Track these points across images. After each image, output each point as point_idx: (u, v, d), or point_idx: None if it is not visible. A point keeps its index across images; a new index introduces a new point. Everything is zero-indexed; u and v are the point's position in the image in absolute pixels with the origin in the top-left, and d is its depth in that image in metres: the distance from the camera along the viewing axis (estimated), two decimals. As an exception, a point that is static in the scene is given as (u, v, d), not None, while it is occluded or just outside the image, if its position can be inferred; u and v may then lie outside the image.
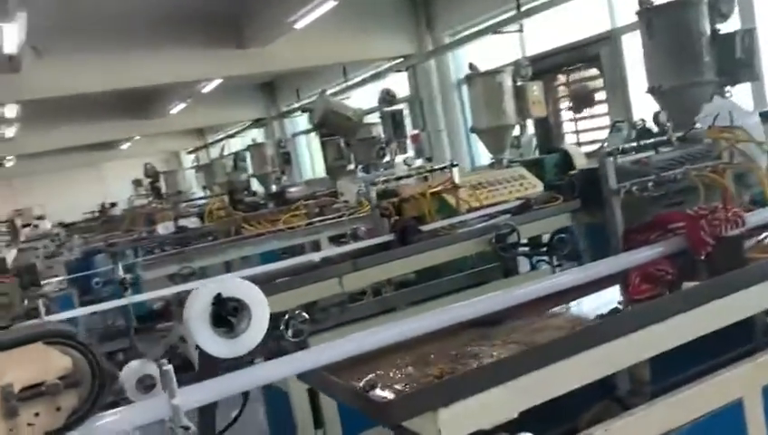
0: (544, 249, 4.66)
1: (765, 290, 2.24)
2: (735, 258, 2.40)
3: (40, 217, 27.73)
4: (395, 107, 8.71)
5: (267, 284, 3.87)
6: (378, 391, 1.85)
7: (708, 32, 5.37)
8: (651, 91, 5.48)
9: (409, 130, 12.82)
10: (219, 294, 1.65)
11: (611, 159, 2.75)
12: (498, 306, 2.31)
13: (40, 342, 1.42)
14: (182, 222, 9.86)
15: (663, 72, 5.43)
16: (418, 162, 11.35)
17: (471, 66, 7.86)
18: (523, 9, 9.76)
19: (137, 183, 18.45)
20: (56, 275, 7.16)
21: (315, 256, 4.44)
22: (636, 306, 2.15)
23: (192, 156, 26.05)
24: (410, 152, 9.72)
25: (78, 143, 19.09)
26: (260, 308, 1.70)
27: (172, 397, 1.52)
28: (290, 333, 3.61)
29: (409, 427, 1.74)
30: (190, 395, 1.67)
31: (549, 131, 10.72)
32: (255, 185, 14.53)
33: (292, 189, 8.77)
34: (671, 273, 2.33)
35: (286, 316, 3.64)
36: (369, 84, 14.06)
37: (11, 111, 12.57)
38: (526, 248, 4.68)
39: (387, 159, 9.95)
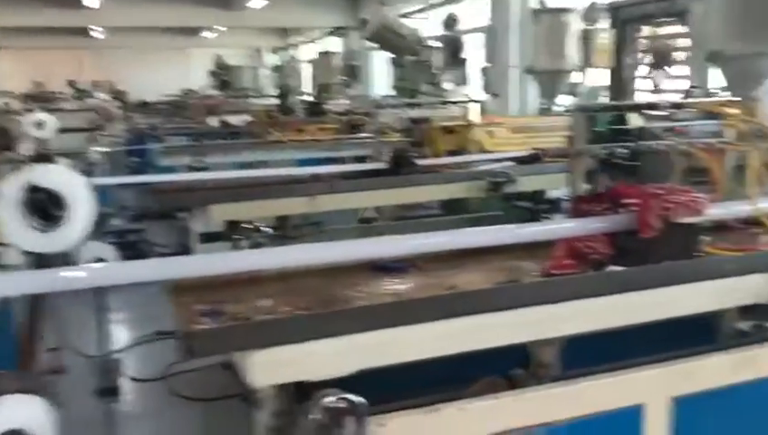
0: (545, 206, 4.34)
1: (693, 292, 1.95)
2: (683, 249, 2.10)
3: (120, 92, 28.70)
4: (455, 33, 8.25)
5: (236, 189, 3.77)
6: (217, 319, 1.71)
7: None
8: (710, 57, 4.94)
9: (482, 62, 12.30)
10: (32, 184, 1.51)
11: (582, 114, 2.42)
12: (405, 251, 2.12)
13: None
14: (236, 119, 9.90)
15: (727, 36, 4.86)
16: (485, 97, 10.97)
17: (542, 1, 7.33)
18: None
19: (212, 74, 18.59)
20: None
21: (305, 171, 4.29)
22: (532, 282, 1.90)
23: (275, 55, 26.16)
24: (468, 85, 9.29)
25: (159, 24, 19.26)
26: (81, 203, 1.56)
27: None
28: (247, 244, 3.51)
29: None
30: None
31: (622, 86, 10.06)
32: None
33: (335, 102, 8.55)
34: (600, 252, 2.06)
35: (247, 226, 3.54)
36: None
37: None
38: (525, 202, 4.38)
39: (448, 86, 9.62)
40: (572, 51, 7.04)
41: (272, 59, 26.26)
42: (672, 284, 1.94)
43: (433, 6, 13.38)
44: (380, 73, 18.50)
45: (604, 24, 7.70)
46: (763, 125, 2.52)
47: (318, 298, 1.85)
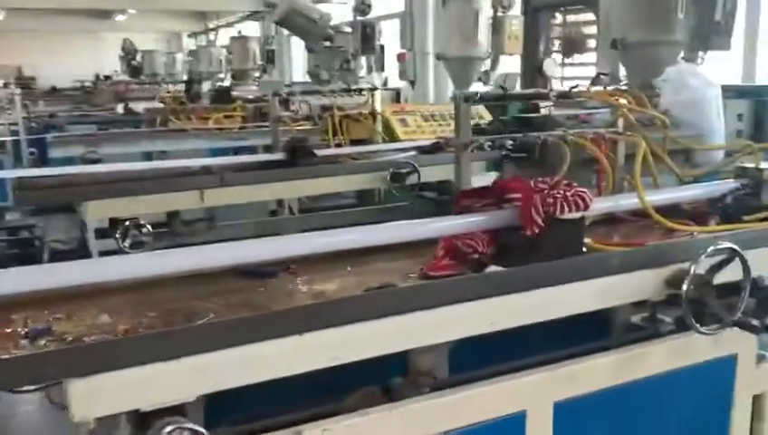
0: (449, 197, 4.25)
1: (576, 291, 1.85)
2: (568, 246, 2.00)
3: (31, 78, 27.29)
4: (367, 18, 8.05)
5: (119, 183, 3.50)
6: (40, 341, 1.49)
7: (688, -13, 4.77)
8: (614, 44, 4.93)
9: (397, 48, 12.17)
10: None
11: (466, 104, 2.30)
12: (272, 255, 1.94)
13: None
14: (142, 106, 9.45)
15: (629, 24, 4.86)
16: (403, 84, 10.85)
17: (451, -14, 7.21)
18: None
19: (121, 59, 17.81)
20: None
21: (197, 162, 4.04)
22: (403, 287, 1.76)
23: (192, 40, 25.33)
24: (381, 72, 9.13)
25: (67, 6, 18.30)
26: None
27: None
28: (127, 242, 3.26)
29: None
30: None
31: (534, 73, 10.13)
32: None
33: (243, 89, 8.26)
34: (479, 251, 1.94)
35: (126, 223, 3.29)
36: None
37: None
38: (431, 193, 4.27)
39: (361, 74, 9.44)
40: (483, 37, 6.96)
41: (190, 44, 25.48)
42: (554, 283, 1.84)
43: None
44: (299, 59, 18.19)
45: (516, 10, 7.68)
46: (653, 114, 2.46)
47: (165, 312, 1.66)
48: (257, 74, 13.59)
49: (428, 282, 1.79)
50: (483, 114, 6.58)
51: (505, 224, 2.02)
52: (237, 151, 5.72)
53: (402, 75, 10.74)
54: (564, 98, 2.57)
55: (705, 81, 4.25)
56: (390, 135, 6.22)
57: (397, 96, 10.41)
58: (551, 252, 1.99)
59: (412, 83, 11.10)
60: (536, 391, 1.83)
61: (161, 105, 8.80)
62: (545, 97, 2.47)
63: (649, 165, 2.47)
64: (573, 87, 2.51)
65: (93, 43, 26.87)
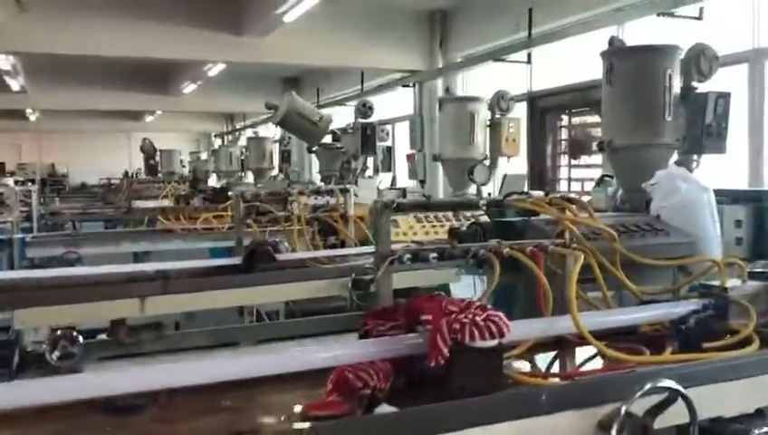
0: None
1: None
2: (481, 380, 1.72)
3: (63, 175, 28.15)
4: (373, 121, 8.09)
5: (58, 289, 3.32)
6: None
7: (678, 88, 4.62)
8: (600, 146, 4.76)
9: (407, 149, 12.23)
10: None
11: (387, 209, 2.08)
12: (138, 386, 1.69)
13: None
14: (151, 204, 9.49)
15: (618, 127, 4.69)
16: (412, 183, 10.80)
17: (447, 90, 7.22)
18: (533, 36, 9.06)
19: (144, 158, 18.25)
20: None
21: (152, 267, 3.86)
22: None
23: (219, 140, 26.04)
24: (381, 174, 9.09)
25: (92, 107, 19.07)
26: None
27: None
28: (56, 354, 3.02)
29: None
30: None
31: (542, 174, 10.00)
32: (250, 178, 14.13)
33: (243, 188, 8.20)
34: (371, 385, 1.66)
35: (57, 333, 3.06)
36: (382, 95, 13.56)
37: (5, 62, 12.39)
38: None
39: (369, 174, 9.40)
40: (479, 139, 6.88)
41: (217, 143, 26.16)
42: (455, 428, 1.55)
43: (364, 95, 13.43)
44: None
45: (515, 112, 7.64)
46: (599, 226, 2.22)
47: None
48: (274, 173, 13.78)
49: (284, 430, 1.51)
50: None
51: (411, 352, 1.75)
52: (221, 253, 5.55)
53: (412, 175, 10.71)
54: (497, 206, 2.35)
55: (698, 185, 4.00)
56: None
57: (403, 195, 10.33)
58: (463, 386, 1.72)
59: (422, 183, 11.04)
60: None
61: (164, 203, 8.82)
62: (475, 206, 2.25)
63: (598, 281, 2.20)
64: (507, 195, 2.28)
65: (125, 142, 27.82)
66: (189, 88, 16.33)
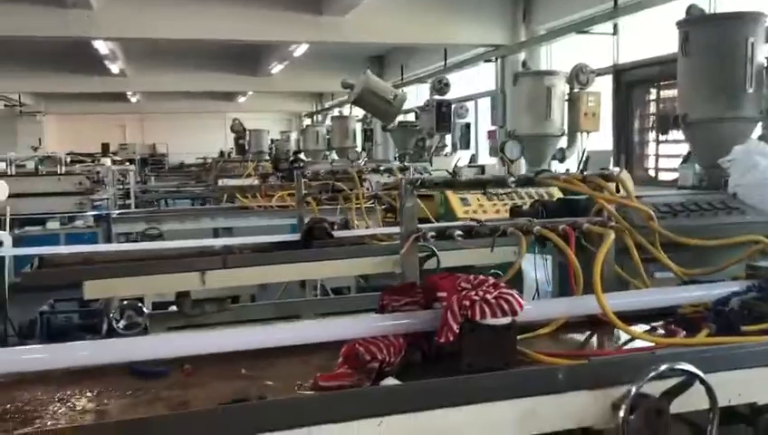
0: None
1: (483, 414, 1.55)
2: (493, 357, 1.71)
3: (163, 155, 29.51)
4: (444, 98, 8.03)
5: (119, 263, 3.51)
6: None
7: (764, 59, 4.33)
8: (675, 121, 4.54)
9: (488, 125, 12.06)
10: None
11: (410, 187, 2.07)
12: (163, 353, 1.79)
13: None
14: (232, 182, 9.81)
15: (694, 100, 4.47)
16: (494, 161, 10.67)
17: (524, 64, 7.06)
18: (619, 6, 8.69)
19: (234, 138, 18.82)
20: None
21: (219, 242, 4.01)
22: (256, 402, 1.53)
23: (308, 119, 26.54)
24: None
25: (187, 89, 19.81)
26: None
27: None
28: (122, 323, 3.23)
29: None
30: None
31: (629, 150, 9.62)
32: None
33: (316, 166, 8.34)
34: (379, 359, 1.69)
35: (124, 303, 3.28)
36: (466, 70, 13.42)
37: (103, 47, 13.05)
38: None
39: (447, 150, 9.35)
40: (557, 115, 6.70)
41: (308, 122, 26.67)
42: (452, 403, 1.55)
43: (446, 71, 13.31)
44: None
45: (599, 87, 7.38)
46: (635, 205, 2.14)
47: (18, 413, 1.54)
48: (359, 151, 13.91)
49: (285, 398, 1.56)
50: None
51: (423, 328, 1.77)
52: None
53: (492, 152, 10.58)
54: (527, 184, 2.30)
55: (774, 161, 3.76)
56: (449, 214, 6.02)
57: (481, 173, 10.24)
58: (473, 363, 1.72)
59: (503, 160, 10.89)
60: None
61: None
62: (503, 183, 2.20)
63: (635, 261, 2.13)
64: (538, 172, 2.23)
65: (221, 122, 28.77)
66: (277, 68, 16.69)
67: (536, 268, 3.71)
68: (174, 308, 3.81)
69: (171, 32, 11.12)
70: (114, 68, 15.74)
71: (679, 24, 4.48)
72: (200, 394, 1.66)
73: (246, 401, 1.50)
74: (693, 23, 4.40)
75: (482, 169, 10.10)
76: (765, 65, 4.36)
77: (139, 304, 3.28)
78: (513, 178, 2.16)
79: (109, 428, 1.39)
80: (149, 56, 15.91)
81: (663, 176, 8.91)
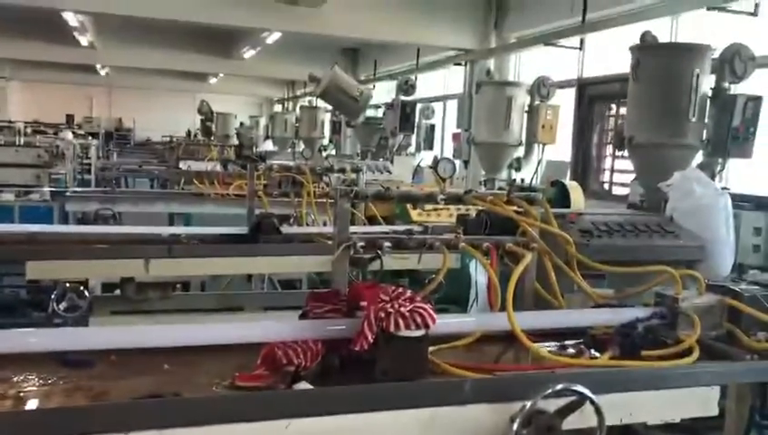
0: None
1: (383, 421, 1.65)
2: (405, 368, 1.81)
3: (128, 130, 29.13)
4: (410, 98, 8.13)
5: (71, 245, 3.54)
6: None
7: (708, 89, 4.51)
8: (621, 143, 4.70)
9: (453, 128, 12.18)
10: None
11: (346, 198, 2.16)
12: (89, 345, 1.85)
13: None
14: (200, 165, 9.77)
15: (640, 124, 4.62)
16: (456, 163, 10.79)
17: (488, 72, 7.19)
18: (586, 23, 8.88)
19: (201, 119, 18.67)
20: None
21: (167, 230, 4.05)
22: (168, 399, 1.61)
23: (279, 106, 26.48)
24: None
25: (157, 66, 19.57)
26: None
27: None
28: (62, 305, 3.27)
29: None
30: None
31: (586, 163, 9.85)
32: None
33: (275, 157, 8.39)
34: (295, 362, 1.78)
35: (66, 286, 3.30)
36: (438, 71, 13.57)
37: (73, 19, 12.86)
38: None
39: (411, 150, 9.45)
40: (516, 125, 6.85)
41: (278, 108, 26.58)
42: (359, 409, 1.65)
43: (416, 71, 13.41)
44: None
45: (562, 100, 7.55)
46: (552, 230, 2.25)
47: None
48: (325, 143, 13.92)
49: (196, 396, 1.64)
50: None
51: (338, 336, 1.86)
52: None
53: (456, 154, 10.71)
54: (457, 202, 2.41)
55: (714, 189, 3.93)
56: (403, 216, 6.14)
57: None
58: (387, 371, 1.82)
59: (465, 163, 11.04)
60: None
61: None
62: (433, 200, 2.31)
63: (551, 282, 2.25)
64: (467, 192, 2.34)
65: (191, 102, 28.43)
66: (249, 53, 16.61)
67: (478, 274, 3.84)
68: (119, 292, 3.85)
69: (141, 9, 11.00)
70: (83, 40, 15.50)
71: (632, 49, 4.64)
72: (120, 386, 1.73)
73: (160, 397, 1.58)
74: (644, 50, 4.55)
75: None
76: (708, 96, 4.54)
77: (81, 288, 3.31)
78: (442, 196, 2.26)
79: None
80: (120, 31, 15.69)
81: (617, 190, 9.14)
